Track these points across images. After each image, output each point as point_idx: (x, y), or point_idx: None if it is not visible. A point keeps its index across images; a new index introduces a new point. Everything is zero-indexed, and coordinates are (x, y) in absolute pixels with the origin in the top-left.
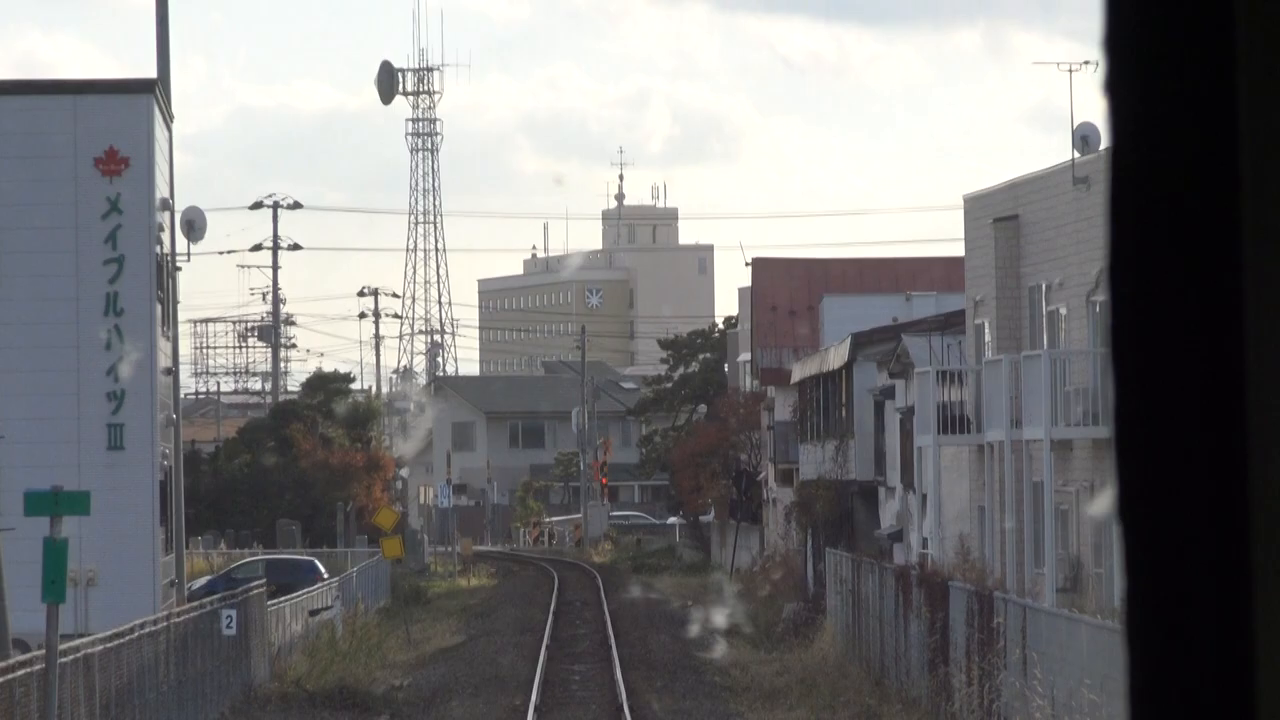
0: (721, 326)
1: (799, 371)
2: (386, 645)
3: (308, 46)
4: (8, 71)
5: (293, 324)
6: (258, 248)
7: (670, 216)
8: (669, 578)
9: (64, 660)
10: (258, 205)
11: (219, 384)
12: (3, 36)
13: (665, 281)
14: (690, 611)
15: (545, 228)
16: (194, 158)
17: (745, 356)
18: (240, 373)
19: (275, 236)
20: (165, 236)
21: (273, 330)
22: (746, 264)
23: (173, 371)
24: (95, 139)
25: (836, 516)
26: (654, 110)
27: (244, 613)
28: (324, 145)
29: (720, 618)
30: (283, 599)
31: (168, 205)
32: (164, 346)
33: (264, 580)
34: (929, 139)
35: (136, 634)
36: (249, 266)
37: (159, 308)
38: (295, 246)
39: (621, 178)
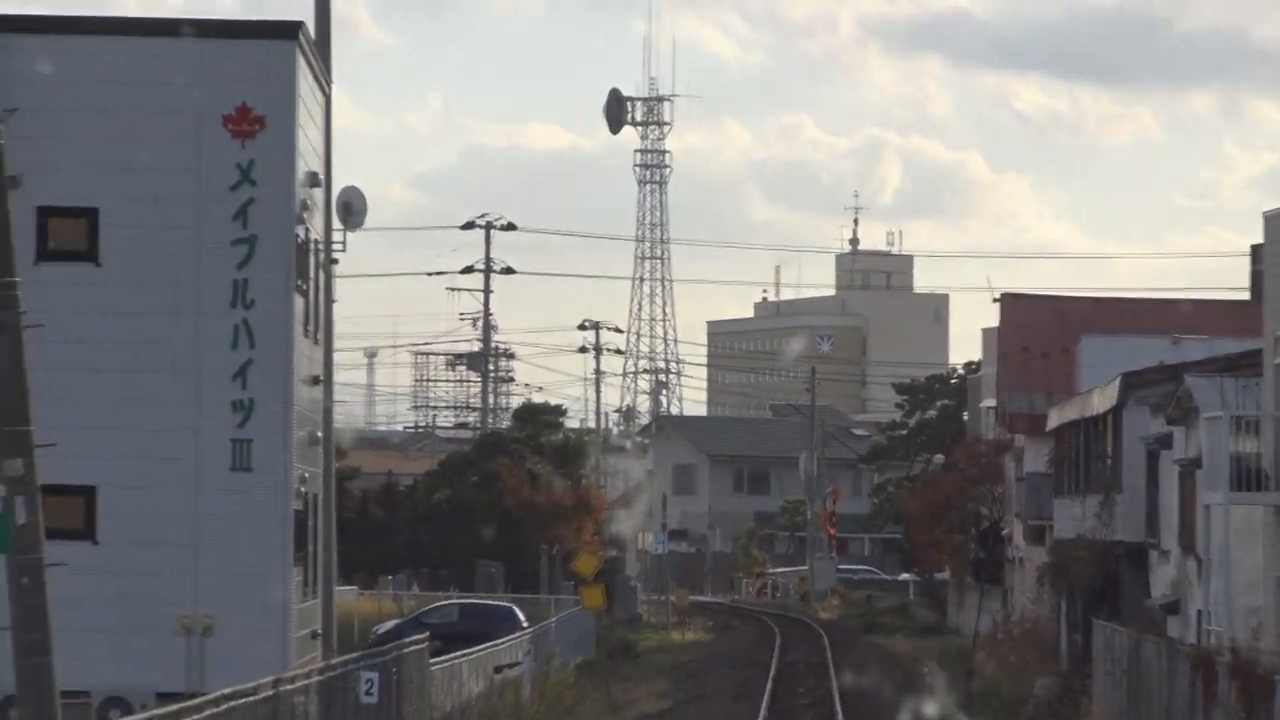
0: (961, 372)
1: (1056, 417)
2: (581, 710)
3: (539, 86)
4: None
5: (510, 356)
6: (469, 270)
7: (905, 265)
8: (903, 640)
9: None
10: (470, 225)
11: (434, 417)
12: None
13: (898, 329)
14: (929, 681)
15: (777, 270)
16: (426, 195)
17: (989, 402)
18: (459, 406)
19: (488, 257)
20: (316, 220)
21: (482, 358)
22: (994, 300)
23: (322, 381)
24: (225, 93)
25: (1098, 581)
26: (886, 163)
27: (393, 673)
28: (551, 182)
29: (963, 692)
30: (458, 654)
31: (317, 181)
32: (310, 350)
33: (428, 635)
34: (1163, 199)
35: (223, 706)
36: (459, 290)
37: (300, 302)
38: (508, 270)
39: (856, 221)
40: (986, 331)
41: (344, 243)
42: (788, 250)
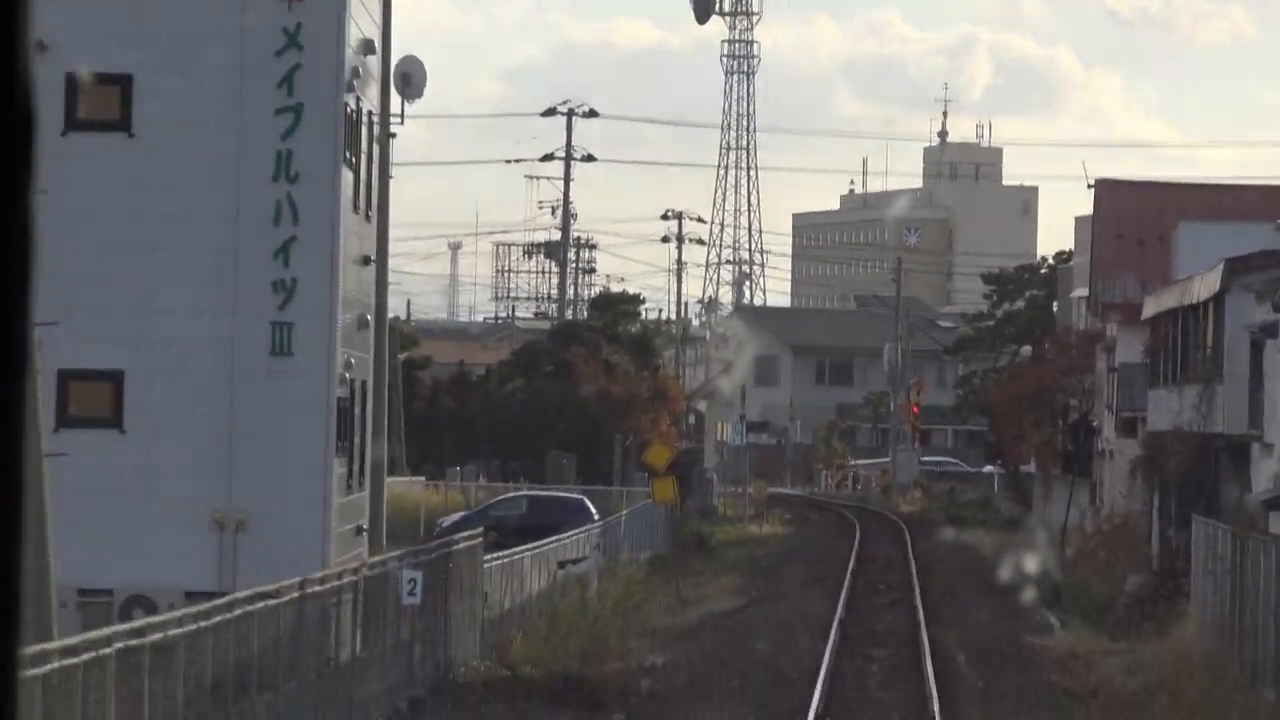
0: (1051, 262)
1: (1153, 305)
2: (650, 606)
3: None
4: None
5: (592, 247)
6: (548, 157)
7: (994, 157)
8: (986, 535)
9: (125, 645)
10: (550, 112)
11: (513, 308)
12: None
13: (986, 222)
14: (1014, 579)
15: (865, 162)
16: (514, 88)
17: (1081, 292)
18: (539, 298)
19: (569, 145)
20: (371, 91)
21: (561, 247)
22: (1089, 186)
23: (374, 261)
24: None
25: (1195, 476)
26: (976, 58)
27: (443, 572)
28: (638, 76)
29: (1050, 588)
30: (517, 550)
31: (372, 49)
32: (360, 228)
33: (482, 530)
34: (1254, 96)
35: (249, 607)
36: (537, 178)
37: (350, 176)
38: (589, 157)
39: (945, 114)
40: (1079, 220)
41: (402, 115)
42: (876, 140)
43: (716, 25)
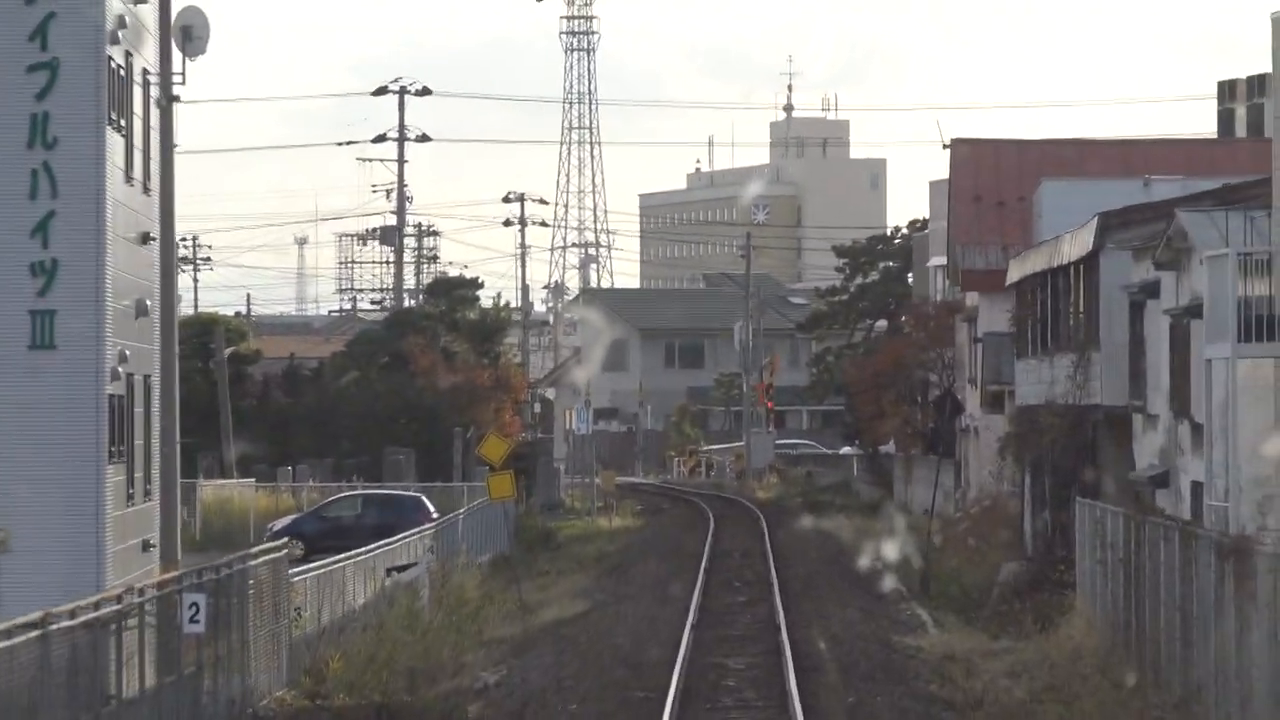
0: (905, 231)
1: (1018, 269)
2: (488, 613)
3: None
4: None
5: (434, 233)
6: (381, 138)
7: (841, 130)
8: (847, 520)
9: None
10: (382, 90)
11: (354, 300)
12: None
13: (835, 197)
14: (878, 569)
15: (710, 141)
16: (354, 76)
17: (938, 260)
18: (382, 290)
19: (401, 125)
20: (149, 48)
21: (396, 232)
22: (944, 146)
23: (157, 240)
24: None
25: (1071, 452)
26: (819, 33)
27: (238, 592)
28: (479, 60)
29: (918, 579)
30: (333, 559)
31: None
32: (136, 202)
33: (289, 539)
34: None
35: (8, 641)
36: (370, 160)
37: (120, 141)
38: (424, 138)
39: (790, 88)
40: (934, 184)
41: (184, 74)
42: (721, 113)
43: (555, 5)
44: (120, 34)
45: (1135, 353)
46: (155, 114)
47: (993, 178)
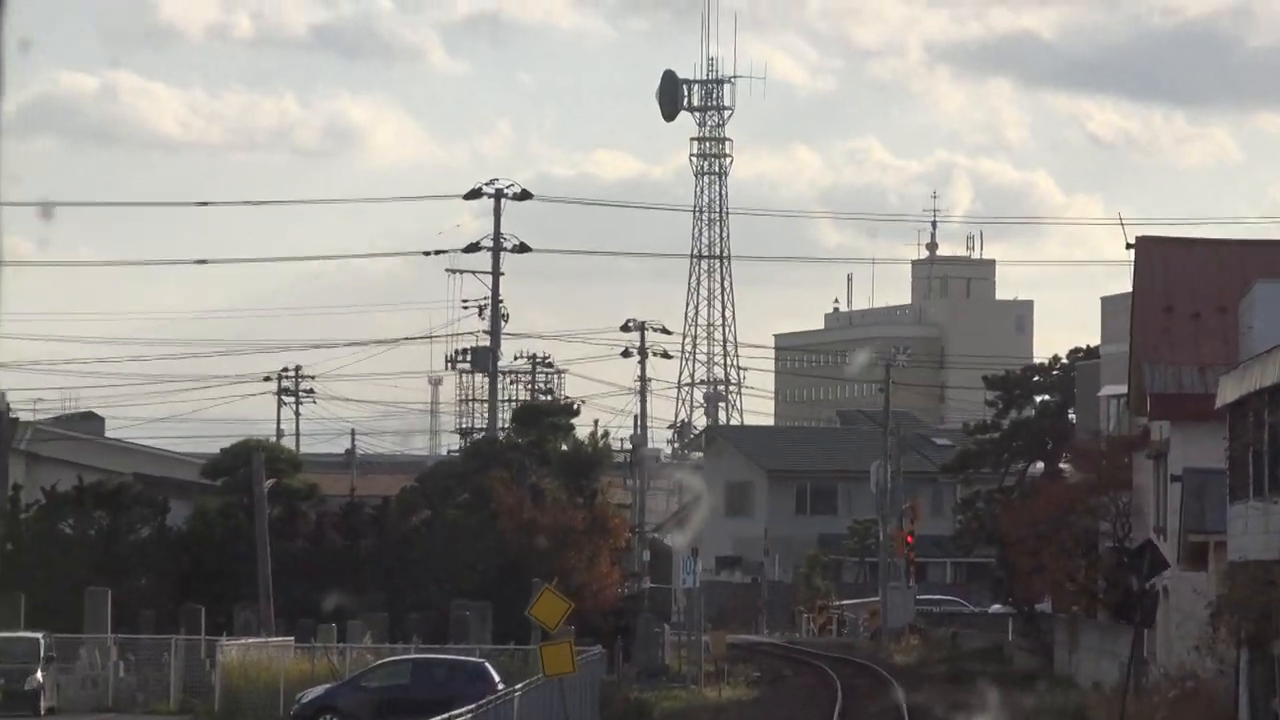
0: (1065, 360)
1: (1235, 386)
2: None
3: (604, 115)
4: (315, 139)
5: (549, 365)
6: (474, 247)
7: (986, 270)
8: (1001, 694)
9: None
10: (474, 194)
11: (469, 436)
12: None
13: (980, 338)
14: None
15: (849, 278)
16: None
17: (1111, 389)
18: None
19: (497, 232)
20: None
21: (490, 353)
22: (1128, 245)
23: None
24: None
25: None
26: (957, 185)
27: None
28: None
29: None
30: None
31: None
32: None
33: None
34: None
35: None
36: (458, 271)
37: None
38: (523, 247)
39: (934, 224)
40: (1107, 299)
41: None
42: (859, 262)
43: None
44: None
45: None
46: None
47: (1185, 284)
